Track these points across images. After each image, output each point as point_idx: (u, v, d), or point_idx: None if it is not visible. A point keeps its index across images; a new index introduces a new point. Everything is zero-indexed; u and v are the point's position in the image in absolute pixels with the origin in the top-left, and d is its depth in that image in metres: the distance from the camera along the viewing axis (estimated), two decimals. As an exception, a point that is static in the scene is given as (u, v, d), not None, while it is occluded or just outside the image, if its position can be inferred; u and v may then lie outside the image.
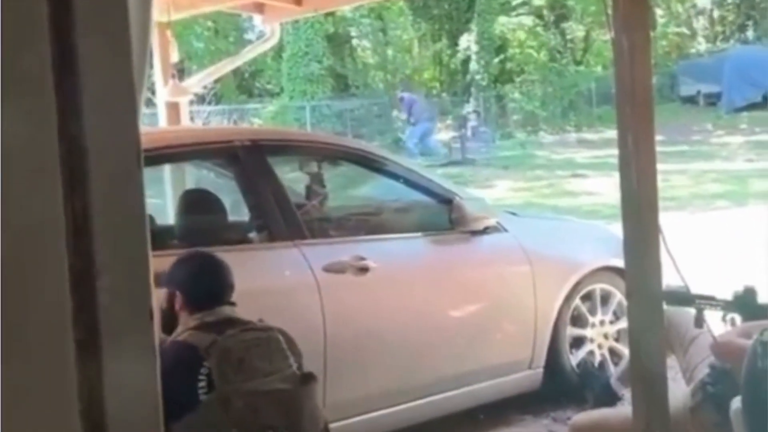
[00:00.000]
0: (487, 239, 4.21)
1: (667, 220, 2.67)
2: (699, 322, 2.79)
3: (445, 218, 4.15)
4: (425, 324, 3.97)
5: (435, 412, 3.98)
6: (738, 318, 2.70)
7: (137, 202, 0.88)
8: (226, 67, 7.49)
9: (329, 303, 3.59)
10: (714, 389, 2.67)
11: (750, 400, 2.06)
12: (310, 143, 4.46)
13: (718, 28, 32.36)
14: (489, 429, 4.15)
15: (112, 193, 0.85)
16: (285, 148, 4.17)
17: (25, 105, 0.81)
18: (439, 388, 3.97)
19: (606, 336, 4.58)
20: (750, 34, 31.16)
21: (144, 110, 2.59)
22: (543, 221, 5.42)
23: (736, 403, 2.15)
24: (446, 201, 4.18)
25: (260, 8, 6.35)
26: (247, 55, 7.76)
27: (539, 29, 27.85)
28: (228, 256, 3.00)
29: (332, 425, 2.94)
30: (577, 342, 4.50)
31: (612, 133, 2.52)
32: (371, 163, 4.24)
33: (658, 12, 28.50)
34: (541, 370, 4.31)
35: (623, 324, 4.40)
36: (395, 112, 22.95)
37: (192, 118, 7.74)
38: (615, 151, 2.51)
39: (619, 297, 4.49)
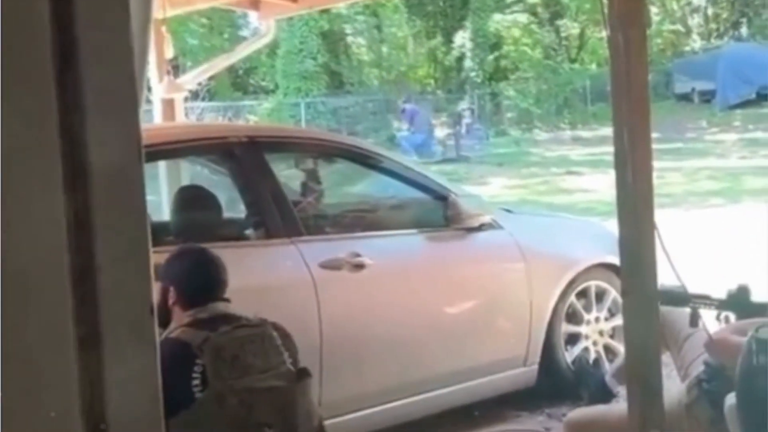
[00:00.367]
0: (483, 236, 4.21)
1: (662, 217, 2.68)
2: (694, 321, 2.80)
3: (441, 215, 4.15)
4: (421, 321, 3.97)
5: (430, 409, 3.99)
6: (732, 316, 2.71)
7: (138, 199, 0.88)
8: (220, 63, 7.48)
9: (325, 300, 3.59)
10: (709, 386, 2.68)
11: (744, 397, 2.07)
12: (306, 140, 4.46)
13: (713, 26, 32.41)
14: (484, 425, 4.16)
15: (113, 189, 0.85)
16: (281, 145, 4.17)
17: (26, 101, 0.81)
18: (434, 385, 3.98)
19: (601, 333, 4.59)
20: (744, 31, 31.21)
21: (141, 107, 2.58)
22: (538, 218, 5.42)
23: (731, 399, 2.16)
24: (441, 198, 4.18)
25: (255, 5, 6.35)
26: (242, 51, 7.76)
27: (534, 27, 27.86)
28: (224, 252, 2.99)
29: (328, 422, 2.94)
30: (572, 339, 4.50)
31: (607, 131, 2.51)
32: (367, 160, 4.24)
33: (653, 9, 28.52)
34: (536, 367, 4.32)
35: (618, 321, 4.41)
36: (396, 123, 22.98)
37: (187, 115, 7.74)
38: (610, 149, 2.52)
39: (614, 294, 4.50)
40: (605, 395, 3.78)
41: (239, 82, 27.70)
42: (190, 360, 2.51)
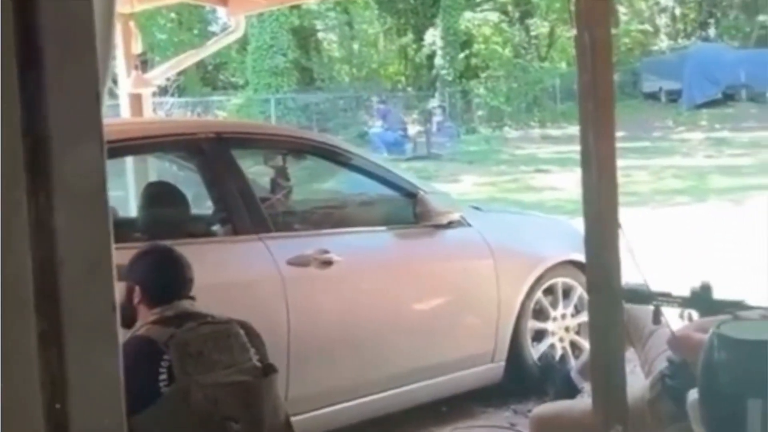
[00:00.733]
0: (451, 233, 4.23)
1: (628, 215, 2.71)
2: (657, 318, 2.83)
3: (410, 212, 4.16)
4: (389, 317, 3.98)
5: (398, 405, 4.00)
6: (695, 314, 2.75)
7: (100, 195, 0.88)
8: (189, 59, 7.42)
9: (293, 296, 3.59)
10: (672, 382, 2.71)
11: (706, 392, 2.10)
12: (275, 136, 4.45)
13: (680, 26, 32.76)
14: (451, 421, 4.17)
15: (75, 185, 0.85)
16: (249, 141, 4.16)
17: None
18: (401, 381, 3.99)
19: (567, 329, 4.63)
20: (711, 31, 31.58)
21: (107, 101, 2.57)
22: (506, 216, 5.45)
23: (693, 395, 2.19)
24: (411, 195, 4.19)
25: (224, 0, 6.31)
26: (212, 47, 7.70)
27: (504, 25, 28.00)
28: (192, 249, 2.98)
29: (295, 418, 2.94)
30: (539, 335, 4.54)
31: (575, 129, 2.53)
32: (336, 157, 4.23)
33: (622, 9, 28.78)
34: (503, 363, 4.34)
35: (584, 318, 4.45)
36: (369, 120, 23.30)
37: (155, 110, 7.68)
38: (578, 147, 2.54)
39: (580, 291, 4.54)
40: (571, 391, 3.82)
41: (209, 77, 27.57)
42: (157, 356, 2.51)
